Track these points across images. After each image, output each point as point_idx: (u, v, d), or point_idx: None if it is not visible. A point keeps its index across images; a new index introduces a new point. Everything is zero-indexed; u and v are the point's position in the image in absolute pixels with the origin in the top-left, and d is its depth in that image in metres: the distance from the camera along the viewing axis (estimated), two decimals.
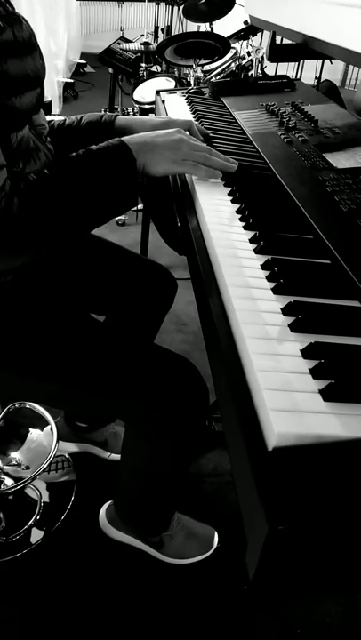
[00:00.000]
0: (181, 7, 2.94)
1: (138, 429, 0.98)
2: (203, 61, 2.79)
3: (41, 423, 1.46)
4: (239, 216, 0.79)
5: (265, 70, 3.47)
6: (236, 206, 0.81)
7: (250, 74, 2.96)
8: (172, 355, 0.93)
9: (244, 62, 3.00)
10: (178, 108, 1.31)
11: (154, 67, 3.53)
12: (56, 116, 1.05)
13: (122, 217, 2.76)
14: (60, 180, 0.75)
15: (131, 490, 1.15)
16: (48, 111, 2.95)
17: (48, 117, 0.96)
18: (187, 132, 0.87)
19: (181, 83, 2.80)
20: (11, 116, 0.76)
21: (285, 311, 0.58)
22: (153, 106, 2.48)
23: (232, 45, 2.87)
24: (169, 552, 1.22)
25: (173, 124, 0.99)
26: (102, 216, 0.80)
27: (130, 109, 3.27)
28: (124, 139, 0.80)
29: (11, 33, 0.72)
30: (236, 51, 3.04)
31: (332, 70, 4.96)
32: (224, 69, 3.03)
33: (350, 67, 5.44)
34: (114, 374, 0.89)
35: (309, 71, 3.51)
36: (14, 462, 1.38)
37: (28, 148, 0.82)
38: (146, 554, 1.23)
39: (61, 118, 1.04)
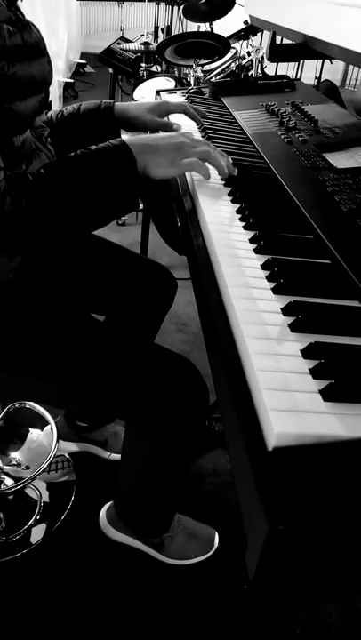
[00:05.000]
0: (181, 7, 2.94)
1: (138, 429, 0.98)
2: (203, 61, 2.79)
3: (41, 423, 1.45)
4: (239, 216, 0.79)
5: (265, 70, 3.47)
6: (236, 206, 0.81)
7: (250, 74, 2.96)
8: (173, 354, 0.93)
9: (244, 62, 3.00)
10: None
11: (154, 67, 3.53)
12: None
13: (122, 217, 2.76)
14: (58, 179, 0.72)
15: (131, 490, 1.15)
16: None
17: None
18: (191, 134, 0.86)
19: (181, 83, 2.80)
20: (15, 120, 0.75)
21: (285, 311, 0.58)
22: None
23: (232, 45, 2.88)
24: (170, 553, 1.22)
25: (167, 106, 1.05)
26: (100, 218, 0.78)
27: None
28: (125, 139, 0.79)
29: (20, 38, 0.72)
30: (236, 51, 3.04)
31: (333, 70, 4.95)
32: (224, 69, 3.03)
33: (350, 67, 5.43)
34: (114, 374, 0.89)
35: (309, 71, 3.51)
36: (14, 462, 1.38)
37: (30, 150, 0.82)
38: (146, 554, 1.23)
39: (57, 109, 1.03)
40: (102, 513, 1.28)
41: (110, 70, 3.06)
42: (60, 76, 4.42)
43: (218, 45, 2.65)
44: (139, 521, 1.21)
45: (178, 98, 1.43)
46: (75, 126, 1.01)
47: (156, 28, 4.96)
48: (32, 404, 1.44)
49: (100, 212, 0.77)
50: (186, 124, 1.11)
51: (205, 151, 0.83)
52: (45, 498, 1.36)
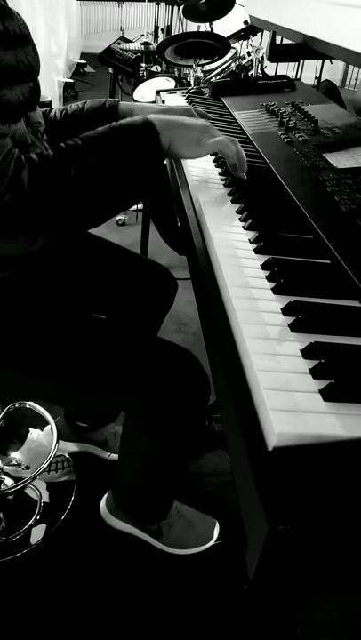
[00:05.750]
0: (181, 7, 2.94)
1: (138, 421, 0.98)
2: (203, 61, 2.80)
3: (41, 423, 1.46)
4: (239, 216, 0.79)
5: (265, 70, 3.47)
6: (237, 206, 0.81)
7: (250, 74, 2.96)
8: (173, 346, 0.93)
9: (244, 62, 3.00)
10: None
11: (154, 67, 3.53)
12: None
13: (122, 217, 2.76)
14: (78, 153, 0.71)
15: (128, 478, 1.15)
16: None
17: (43, 108, 0.94)
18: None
19: (181, 83, 2.80)
20: (3, 107, 0.75)
21: (285, 311, 0.58)
22: None
23: (232, 45, 2.88)
24: (168, 541, 1.22)
25: (172, 112, 1.01)
26: (124, 196, 0.76)
27: None
28: (148, 116, 0.78)
29: (0, 24, 0.72)
30: (236, 51, 3.04)
31: (333, 70, 4.95)
32: (224, 69, 3.03)
33: (350, 67, 5.43)
34: (114, 368, 0.89)
35: (309, 71, 3.50)
36: (14, 462, 1.38)
37: (25, 143, 0.81)
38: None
39: (61, 107, 1.04)
40: (103, 501, 1.28)
41: (110, 70, 3.06)
42: (59, 76, 4.42)
43: (218, 45, 2.65)
44: (135, 507, 1.21)
45: (178, 98, 1.43)
46: (79, 124, 1.01)
47: (156, 28, 4.96)
48: (32, 403, 1.44)
49: (121, 188, 0.75)
50: None
51: (231, 139, 0.84)
52: (45, 498, 1.36)
